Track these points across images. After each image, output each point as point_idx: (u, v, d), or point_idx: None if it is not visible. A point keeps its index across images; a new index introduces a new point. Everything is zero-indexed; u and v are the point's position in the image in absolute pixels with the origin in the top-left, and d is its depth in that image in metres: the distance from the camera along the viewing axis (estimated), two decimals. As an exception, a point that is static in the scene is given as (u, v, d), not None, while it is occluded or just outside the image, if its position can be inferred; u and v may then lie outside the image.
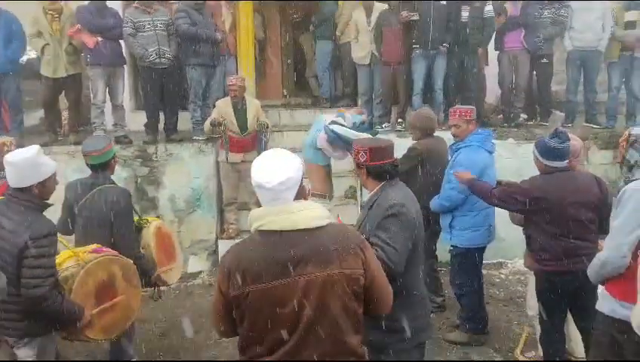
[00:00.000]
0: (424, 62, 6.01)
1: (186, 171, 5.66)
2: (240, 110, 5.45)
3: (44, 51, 5.57)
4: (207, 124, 5.46)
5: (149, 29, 5.56)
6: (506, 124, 6.26)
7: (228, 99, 5.48)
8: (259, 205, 1.79)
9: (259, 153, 5.36)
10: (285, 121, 6.88)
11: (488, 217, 3.89)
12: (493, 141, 4.04)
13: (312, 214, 1.74)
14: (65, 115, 6.11)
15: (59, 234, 2.64)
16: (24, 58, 5.97)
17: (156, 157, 5.68)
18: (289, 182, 1.72)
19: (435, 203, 3.97)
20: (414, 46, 5.99)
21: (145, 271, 3.26)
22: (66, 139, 5.85)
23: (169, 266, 3.56)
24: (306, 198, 1.83)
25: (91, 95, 5.92)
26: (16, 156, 2.53)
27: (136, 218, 3.45)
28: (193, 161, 5.67)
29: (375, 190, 2.49)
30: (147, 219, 3.61)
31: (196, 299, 4.96)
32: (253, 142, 5.57)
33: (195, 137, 5.89)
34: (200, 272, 5.56)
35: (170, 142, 5.79)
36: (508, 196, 3.21)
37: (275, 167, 1.72)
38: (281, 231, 1.70)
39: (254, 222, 1.75)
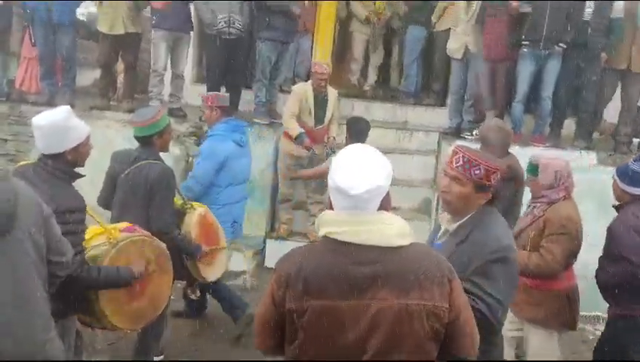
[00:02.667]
0: (533, 63, 5.59)
1: None
2: (321, 101, 5.32)
3: (102, 3, 5.69)
4: (292, 128, 5.19)
5: (220, -5, 5.52)
6: (612, 153, 5.71)
7: (309, 85, 5.31)
8: (329, 206, 1.71)
9: (326, 154, 5.46)
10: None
11: (232, 212, 4.07)
12: (245, 133, 4.35)
13: (395, 230, 1.62)
14: (120, 78, 6.22)
15: (89, 207, 2.62)
16: (84, 11, 6.19)
17: None
18: (377, 190, 1.61)
19: None
20: (523, 43, 5.59)
21: (188, 252, 3.33)
22: (120, 105, 5.93)
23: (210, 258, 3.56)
24: (388, 210, 1.70)
25: (152, 60, 5.99)
26: (45, 119, 2.46)
27: (179, 201, 3.46)
28: (251, 146, 5.55)
29: (468, 217, 2.21)
30: (192, 205, 3.57)
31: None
32: (323, 136, 5.43)
33: (255, 120, 5.82)
34: (242, 272, 5.41)
35: None
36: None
37: (364, 171, 1.60)
38: (356, 243, 1.59)
39: (324, 227, 1.65)
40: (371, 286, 1.58)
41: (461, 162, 2.16)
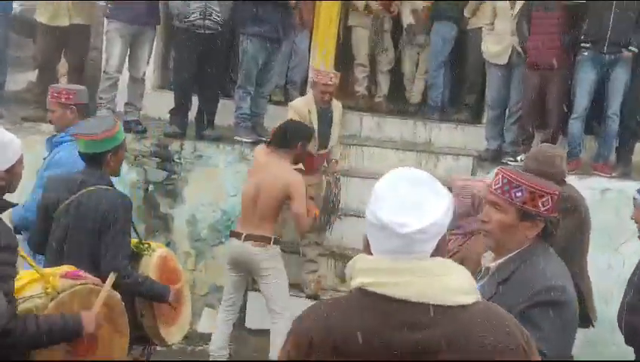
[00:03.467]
0: (594, 71, 5.67)
1: (218, 184, 5.78)
2: (325, 118, 5.43)
3: None
4: None
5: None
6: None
7: (310, 100, 5.41)
8: (365, 248, 1.69)
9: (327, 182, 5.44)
10: (368, 132, 6.77)
11: None
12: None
13: (456, 284, 1.61)
14: (63, 81, 6.34)
15: (21, 249, 2.68)
16: (16, 5, 6.42)
17: (179, 158, 5.86)
18: (433, 228, 1.58)
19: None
20: (582, 45, 5.67)
21: (154, 297, 3.40)
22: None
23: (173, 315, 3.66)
24: (444, 255, 1.69)
25: (103, 59, 6.15)
26: None
27: (134, 240, 3.55)
28: (230, 170, 5.76)
29: (514, 254, 2.35)
30: (149, 244, 3.71)
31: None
32: (323, 162, 5.49)
33: (237, 137, 5.93)
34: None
35: (201, 140, 5.96)
36: None
37: (418, 203, 1.59)
38: (403, 300, 1.57)
39: (359, 277, 1.63)
40: (423, 356, 1.58)
41: (500, 184, 2.31)
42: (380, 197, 1.64)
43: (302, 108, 5.35)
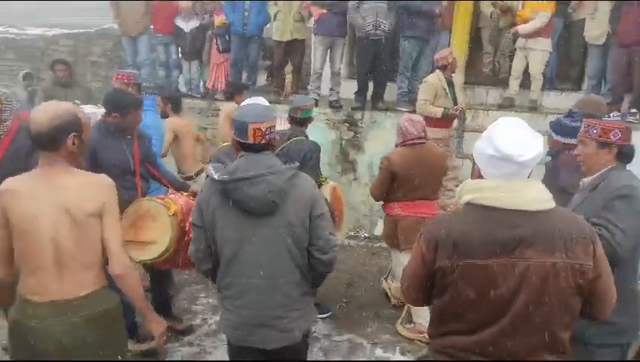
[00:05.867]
0: None
1: (387, 140, 5.80)
2: (451, 86, 5.55)
3: (276, 17, 6.52)
4: (436, 110, 5.41)
5: (370, 3, 5.97)
6: None
7: (440, 74, 5.50)
8: (475, 175, 1.77)
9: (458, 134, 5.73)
10: (492, 100, 6.79)
11: None
12: None
13: (541, 195, 1.67)
14: (288, 78, 7.05)
15: None
16: (267, 25, 6.98)
17: (361, 123, 6.21)
18: (537, 158, 1.65)
19: None
20: None
21: None
22: (286, 100, 6.71)
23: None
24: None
25: (312, 61, 6.73)
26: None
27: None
28: (394, 130, 5.94)
29: (600, 173, 2.41)
30: (326, 178, 3.98)
31: (378, 260, 5.46)
32: (452, 120, 5.67)
33: (399, 108, 6.26)
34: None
35: (375, 110, 6.26)
36: None
37: (527, 140, 1.64)
38: (502, 208, 1.64)
39: (469, 194, 1.70)
40: (519, 246, 1.60)
41: (584, 128, 2.47)
42: (497, 135, 1.65)
43: (435, 80, 5.40)
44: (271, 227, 2.14)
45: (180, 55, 7.23)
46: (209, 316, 4.17)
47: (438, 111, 5.41)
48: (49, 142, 2.00)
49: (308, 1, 6.30)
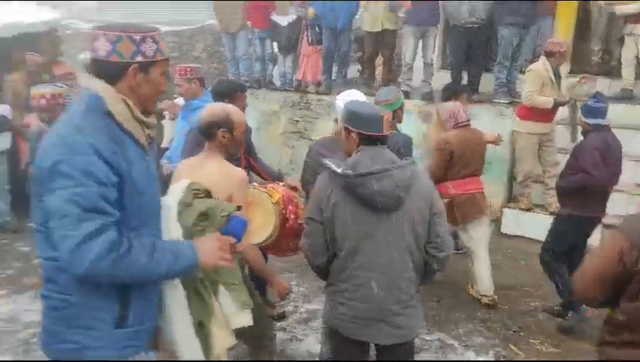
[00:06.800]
0: None
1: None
2: (557, 77, 5.20)
3: (367, 7, 6.41)
4: (546, 101, 5.11)
5: (467, -12, 5.72)
6: None
7: (546, 62, 5.14)
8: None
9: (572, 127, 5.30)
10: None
11: None
12: None
13: None
14: (378, 70, 6.96)
15: None
16: (357, 15, 6.90)
17: None
18: None
19: None
20: None
21: None
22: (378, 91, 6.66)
23: None
24: None
25: (402, 52, 6.55)
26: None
27: None
28: (491, 123, 5.71)
29: None
30: None
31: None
32: (555, 112, 5.31)
33: (495, 100, 5.93)
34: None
35: (470, 102, 5.87)
36: None
37: None
38: None
39: None
40: None
41: None
42: None
43: (542, 69, 5.11)
44: (394, 222, 2.13)
45: (277, 49, 7.34)
46: (300, 304, 4.25)
47: (548, 102, 5.09)
48: (206, 134, 2.48)
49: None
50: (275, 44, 7.39)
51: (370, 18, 6.41)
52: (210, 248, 1.70)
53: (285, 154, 7.21)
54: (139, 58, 1.62)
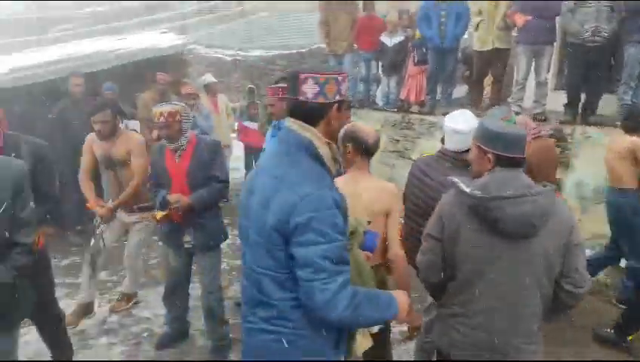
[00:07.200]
0: None
1: (601, 158, 5.18)
2: None
3: (478, 27, 6.26)
4: None
5: (591, 5, 5.36)
6: None
7: None
8: None
9: None
10: None
11: None
12: None
13: None
14: (487, 90, 6.75)
15: None
16: (465, 35, 6.83)
17: (571, 138, 5.58)
18: None
19: None
20: None
21: None
22: (485, 112, 6.42)
23: None
24: None
25: (515, 71, 6.24)
26: (465, 124, 2.72)
27: None
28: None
29: None
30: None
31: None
32: None
33: (619, 123, 5.34)
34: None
35: (588, 125, 5.57)
36: None
37: None
38: None
39: None
40: None
41: None
42: None
43: None
44: (524, 251, 1.97)
45: (381, 70, 7.42)
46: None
47: None
48: (374, 152, 2.61)
49: (512, 10, 5.92)
50: (380, 64, 7.47)
51: (480, 37, 6.27)
52: (403, 302, 1.85)
53: (384, 173, 7.17)
54: (337, 97, 1.71)
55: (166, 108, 3.21)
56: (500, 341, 2.03)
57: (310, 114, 1.71)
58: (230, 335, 3.62)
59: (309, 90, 1.67)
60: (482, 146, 2.08)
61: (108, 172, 4.03)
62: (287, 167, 1.70)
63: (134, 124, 6.02)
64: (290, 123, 1.75)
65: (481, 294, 2.04)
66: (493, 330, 2.03)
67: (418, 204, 2.84)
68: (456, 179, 2.09)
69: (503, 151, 2.02)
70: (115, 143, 3.91)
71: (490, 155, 2.06)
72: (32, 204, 2.20)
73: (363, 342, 2.08)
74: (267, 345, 1.77)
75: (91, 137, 4.00)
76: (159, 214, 3.24)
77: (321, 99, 1.68)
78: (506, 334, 2.03)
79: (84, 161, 4.03)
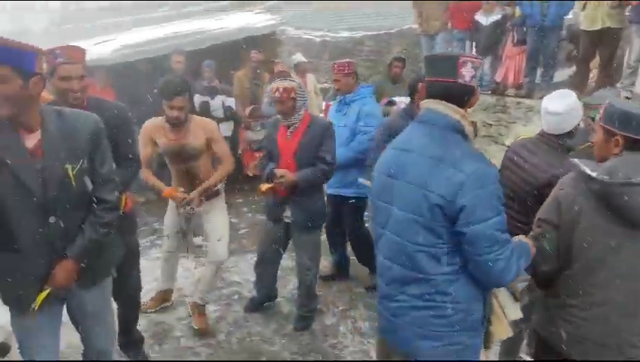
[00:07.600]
0: None
1: None
2: None
3: (585, 6, 5.83)
4: None
5: None
6: None
7: None
8: None
9: None
10: None
11: None
12: None
13: None
14: (593, 73, 6.26)
15: None
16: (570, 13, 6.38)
17: None
18: None
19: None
20: None
21: None
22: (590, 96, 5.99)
23: None
24: None
25: (626, 53, 5.86)
26: (559, 105, 2.54)
27: None
28: None
29: None
30: None
31: None
32: None
33: None
34: None
35: None
36: None
37: None
38: None
39: None
40: None
41: None
42: None
43: None
44: None
45: (475, 50, 7.12)
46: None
47: None
48: None
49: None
50: (473, 44, 7.16)
51: (588, 14, 5.82)
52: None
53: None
54: (476, 81, 1.85)
55: (282, 83, 3.22)
56: (616, 336, 1.91)
57: (462, 95, 1.81)
58: (318, 306, 3.74)
59: (467, 73, 1.77)
60: (610, 128, 1.92)
61: (177, 165, 3.42)
62: (444, 147, 1.78)
63: (231, 101, 6.20)
64: (434, 104, 1.84)
65: (599, 285, 1.91)
66: (608, 324, 1.91)
67: (512, 188, 2.70)
68: (580, 162, 1.94)
69: (634, 133, 1.86)
70: (188, 131, 3.29)
71: (618, 137, 1.90)
72: (113, 164, 2.16)
73: (501, 331, 2.07)
74: (427, 321, 1.83)
75: (152, 125, 3.37)
76: (265, 186, 3.28)
77: (472, 82, 1.80)
78: (622, 329, 1.90)
79: (146, 154, 3.31)
